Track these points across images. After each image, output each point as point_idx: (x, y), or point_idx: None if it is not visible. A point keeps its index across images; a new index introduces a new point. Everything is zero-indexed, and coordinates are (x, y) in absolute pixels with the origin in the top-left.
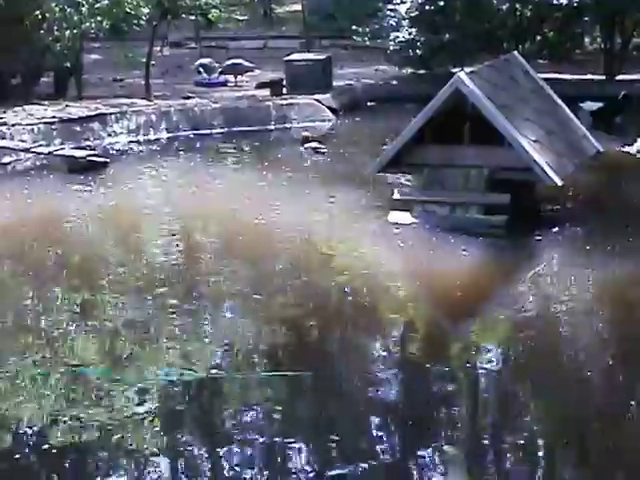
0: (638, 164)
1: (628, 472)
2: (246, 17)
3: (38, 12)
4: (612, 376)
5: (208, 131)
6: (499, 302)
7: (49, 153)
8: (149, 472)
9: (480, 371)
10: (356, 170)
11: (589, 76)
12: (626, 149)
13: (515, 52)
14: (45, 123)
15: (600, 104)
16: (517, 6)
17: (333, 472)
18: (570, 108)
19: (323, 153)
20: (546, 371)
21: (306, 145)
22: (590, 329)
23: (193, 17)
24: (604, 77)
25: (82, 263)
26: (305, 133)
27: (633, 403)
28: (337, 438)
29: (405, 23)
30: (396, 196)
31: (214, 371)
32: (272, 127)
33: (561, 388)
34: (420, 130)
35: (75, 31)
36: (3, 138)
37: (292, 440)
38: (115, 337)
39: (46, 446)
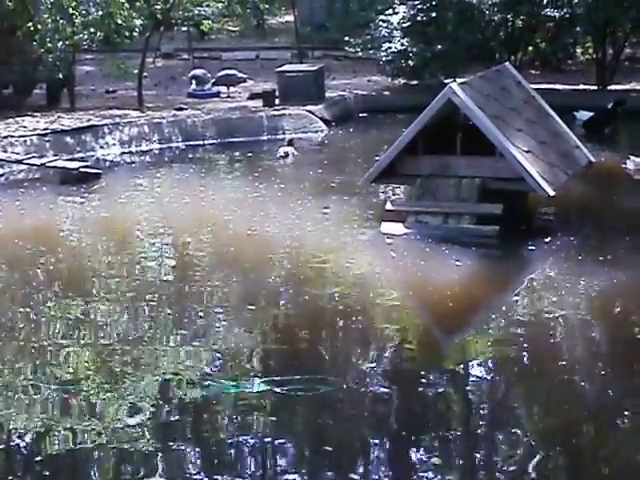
0: (630, 175)
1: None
2: (238, 28)
3: (30, 23)
4: (603, 385)
5: (200, 142)
6: (492, 312)
7: (41, 165)
8: None
9: (473, 381)
10: (349, 181)
11: (581, 86)
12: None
13: (507, 63)
14: (37, 135)
15: (591, 114)
16: (509, 17)
17: None
18: (562, 118)
19: (287, 157)
20: (537, 381)
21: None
22: (583, 339)
23: (185, 28)
24: (596, 87)
25: (74, 275)
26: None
27: (622, 411)
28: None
29: (397, 34)
30: (388, 207)
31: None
32: (264, 138)
33: (552, 397)
34: (412, 141)
35: (67, 43)
36: None
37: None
38: (110, 350)
39: None
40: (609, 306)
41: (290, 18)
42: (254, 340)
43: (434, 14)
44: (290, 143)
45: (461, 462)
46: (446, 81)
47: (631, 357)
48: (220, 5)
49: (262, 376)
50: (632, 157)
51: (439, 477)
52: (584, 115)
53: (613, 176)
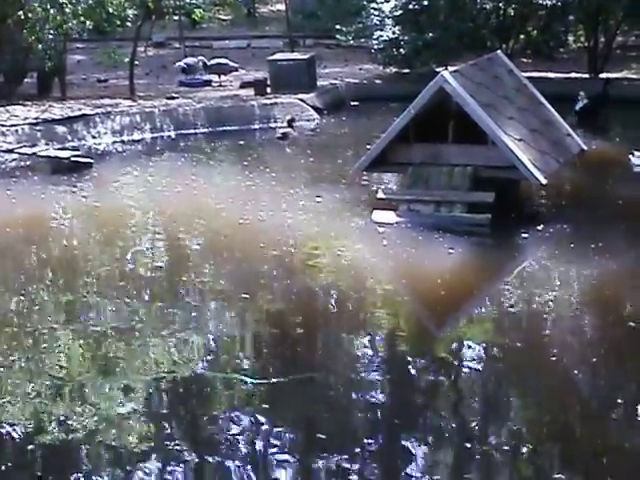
0: (622, 162)
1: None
2: (230, 17)
3: (21, 12)
4: (595, 372)
5: (192, 131)
6: (485, 300)
7: (33, 154)
8: None
9: (465, 368)
10: (341, 169)
11: (573, 74)
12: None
13: (499, 51)
14: (29, 124)
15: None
16: (501, 5)
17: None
18: (554, 107)
19: (286, 138)
20: (530, 367)
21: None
22: (575, 326)
23: (177, 17)
24: (588, 75)
25: (66, 263)
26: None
27: (614, 398)
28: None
29: (389, 22)
30: (380, 195)
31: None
32: (256, 127)
33: (544, 384)
34: (404, 129)
35: (58, 31)
36: None
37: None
38: (101, 339)
39: None
40: (601, 293)
41: (281, 6)
42: (245, 329)
43: (426, 2)
44: (290, 124)
45: (451, 450)
46: (438, 69)
47: (623, 343)
48: None
49: (253, 367)
50: (637, 152)
51: (429, 465)
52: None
53: (605, 164)
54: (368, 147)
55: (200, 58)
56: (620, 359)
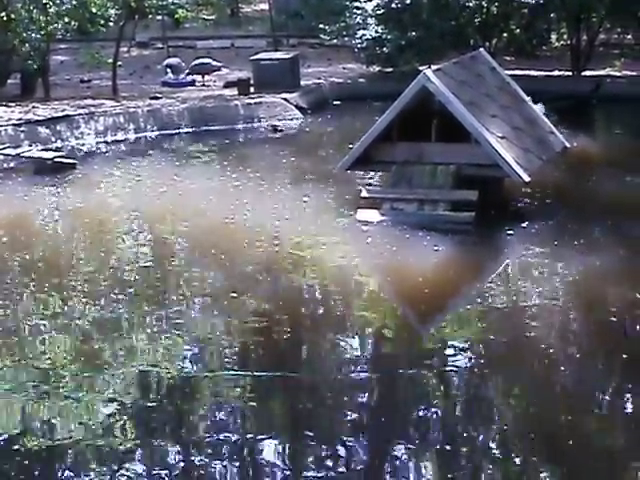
0: (605, 159)
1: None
2: (213, 17)
3: (4, 13)
4: (579, 368)
5: (176, 131)
6: (470, 298)
7: (16, 155)
8: None
9: (448, 365)
10: (325, 168)
11: (556, 72)
12: None
13: (481, 49)
14: (12, 125)
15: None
16: (483, 3)
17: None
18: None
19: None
20: (514, 364)
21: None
22: (559, 322)
23: (160, 17)
24: (570, 73)
25: (50, 264)
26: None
27: (598, 393)
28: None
29: (372, 21)
30: (364, 194)
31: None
32: (240, 126)
33: (529, 381)
34: (388, 127)
35: (42, 32)
36: None
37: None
38: (86, 339)
39: None
40: (584, 289)
41: (265, 6)
42: (231, 327)
43: (408, 1)
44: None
45: (437, 447)
46: (421, 68)
47: (606, 339)
48: None
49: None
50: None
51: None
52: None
53: (588, 161)
54: (351, 146)
55: (177, 60)
56: (602, 354)
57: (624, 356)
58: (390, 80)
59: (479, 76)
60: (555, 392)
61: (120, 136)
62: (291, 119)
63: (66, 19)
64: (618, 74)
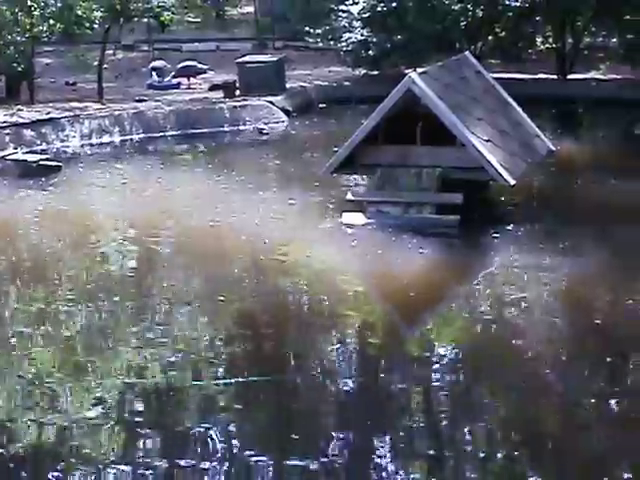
0: (590, 163)
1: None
2: (199, 19)
3: None
4: (564, 371)
5: (161, 134)
6: (455, 301)
7: (1, 158)
8: None
9: (433, 368)
10: (310, 171)
11: (541, 76)
12: None
13: (467, 52)
14: None
15: None
16: (469, 6)
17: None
18: (523, 108)
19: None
20: (499, 367)
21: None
22: (544, 326)
23: (145, 20)
24: (556, 77)
25: (34, 268)
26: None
27: (584, 396)
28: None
29: (357, 24)
30: (349, 197)
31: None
32: (225, 129)
33: (514, 384)
34: (373, 131)
35: (27, 35)
36: None
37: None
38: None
39: None
40: (570, 292)
41: (250, 9)
42: (216, 332)
43: (394, 4)
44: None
45: (423, 451)
46: (406, 71)
47: (590, 341)
48: None
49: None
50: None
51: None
52: None
53: (573, 164)
54: (336, 149)
55: (162, 63)
56: (587, 356)
57: (608, 359)
58: (376, 83)
59: (464, 79)
60: (538, 395)
61: (105, 139)
62: (277, 122)
63: (51, 21)
64: (603, 77)
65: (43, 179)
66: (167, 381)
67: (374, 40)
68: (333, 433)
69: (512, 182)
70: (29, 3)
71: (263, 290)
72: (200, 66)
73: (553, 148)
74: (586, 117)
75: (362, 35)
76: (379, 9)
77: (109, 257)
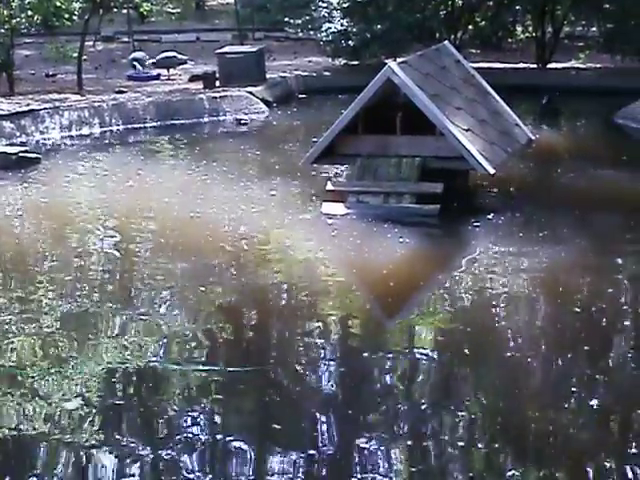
0: (570, 151)
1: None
2: (178, 10)
3: None
4: (546, 361)
5: (141, 125)
6: (436, 291)
7: None
8: None
9: (415, 357)
10: (290, 162)
11: (521, 65)
12: None
13: (446, 42)
14: None
15: None
16: None
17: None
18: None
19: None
20: (481, 359)
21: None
22: (526, 315)
23: (125, 11)
24: (536, 66)
25: (14, 261)
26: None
27: (566, 387)
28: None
29: (337, 14)
30: (329, 187)
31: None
32: (205, 120)
33: (496, 375)
34: (352, 120)
35: (5, 27)
36: None
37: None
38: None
39: None
40: (551, 281)
41: (230, 0)
42: (198, 323)
43: None
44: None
45: (405, 442)
46: (386, 61)
47: (571, 329)
48: None
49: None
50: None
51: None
52: None
53: (553, 153)
54: (316, 140)
55: (142, 54)
56: (568, 344)
57: (586, 348)
58: (356, 73)
59: (444, 69)
60: (521, 386)
61: (85, 130)
62: (257, 112)
63: (30, 13)
64: (583, 66)
65: (22, 171)
66: (147, 368)
67: (354, 30)
68: (310, 423)
69: (492, 171)
70: None
71: (244, 280)
72: (180, 57)
73: (533, 137)
74: (565, 105)
75: (342, 25)
76: None
77: (88, 249)
